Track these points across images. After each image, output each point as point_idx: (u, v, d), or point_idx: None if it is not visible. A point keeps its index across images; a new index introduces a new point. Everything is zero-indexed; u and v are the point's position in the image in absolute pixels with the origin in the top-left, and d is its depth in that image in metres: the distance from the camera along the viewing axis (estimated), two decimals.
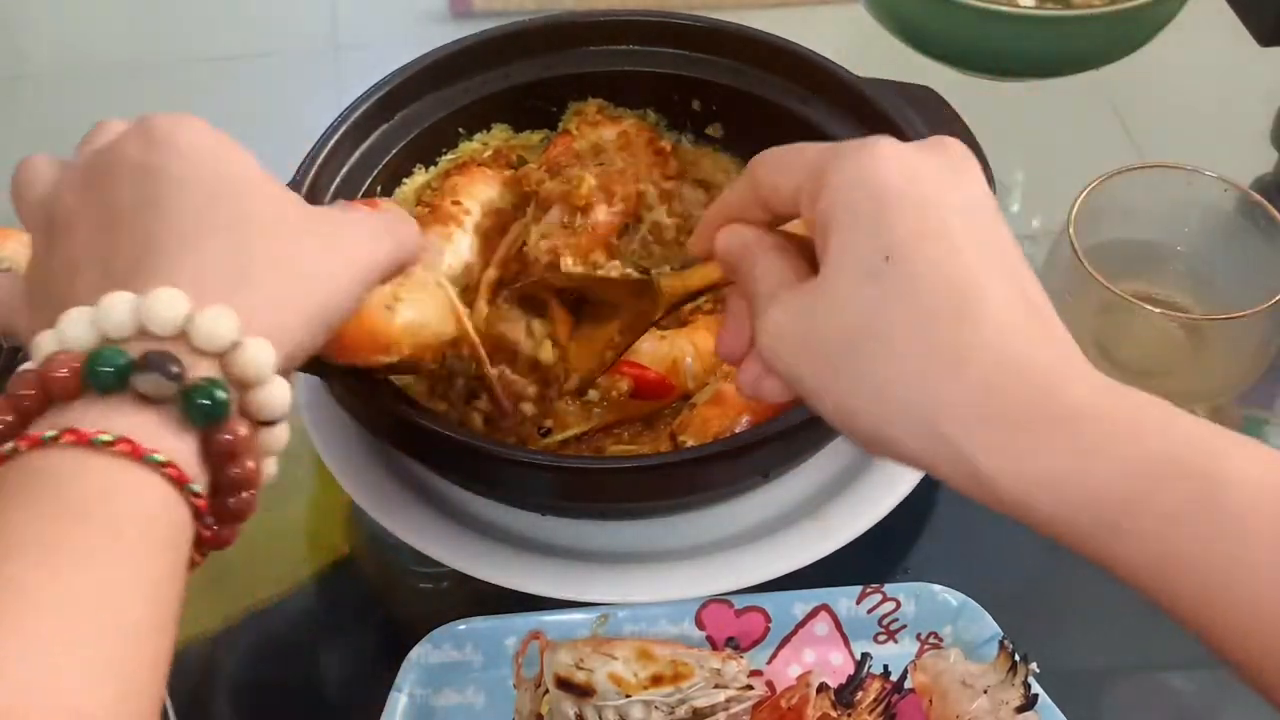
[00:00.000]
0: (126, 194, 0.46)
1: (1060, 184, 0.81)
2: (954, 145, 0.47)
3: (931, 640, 0.67)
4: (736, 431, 0.67)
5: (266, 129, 1.02)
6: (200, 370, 0.43)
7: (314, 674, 0.71)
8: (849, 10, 1.02)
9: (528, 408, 0.70)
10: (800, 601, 0.67)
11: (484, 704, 0.66)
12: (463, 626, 0.66)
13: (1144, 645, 0.72)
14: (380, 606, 0.76)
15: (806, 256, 0.49)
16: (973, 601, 0.66)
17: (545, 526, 0.71)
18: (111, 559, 0.39)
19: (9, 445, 0.40)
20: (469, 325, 0.65)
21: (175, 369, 0.42)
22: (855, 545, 0.68)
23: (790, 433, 0.64)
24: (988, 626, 0.65)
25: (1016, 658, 0.60)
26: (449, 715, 0.65)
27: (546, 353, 0.69)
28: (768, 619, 0.67)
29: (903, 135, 0.75)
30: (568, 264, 0.77)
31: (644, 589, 0.67)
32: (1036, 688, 0.60)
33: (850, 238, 0.44)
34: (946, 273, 0.43)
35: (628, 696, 0.61)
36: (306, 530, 0.79)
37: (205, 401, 0.42)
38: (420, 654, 0.65)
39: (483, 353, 0.67)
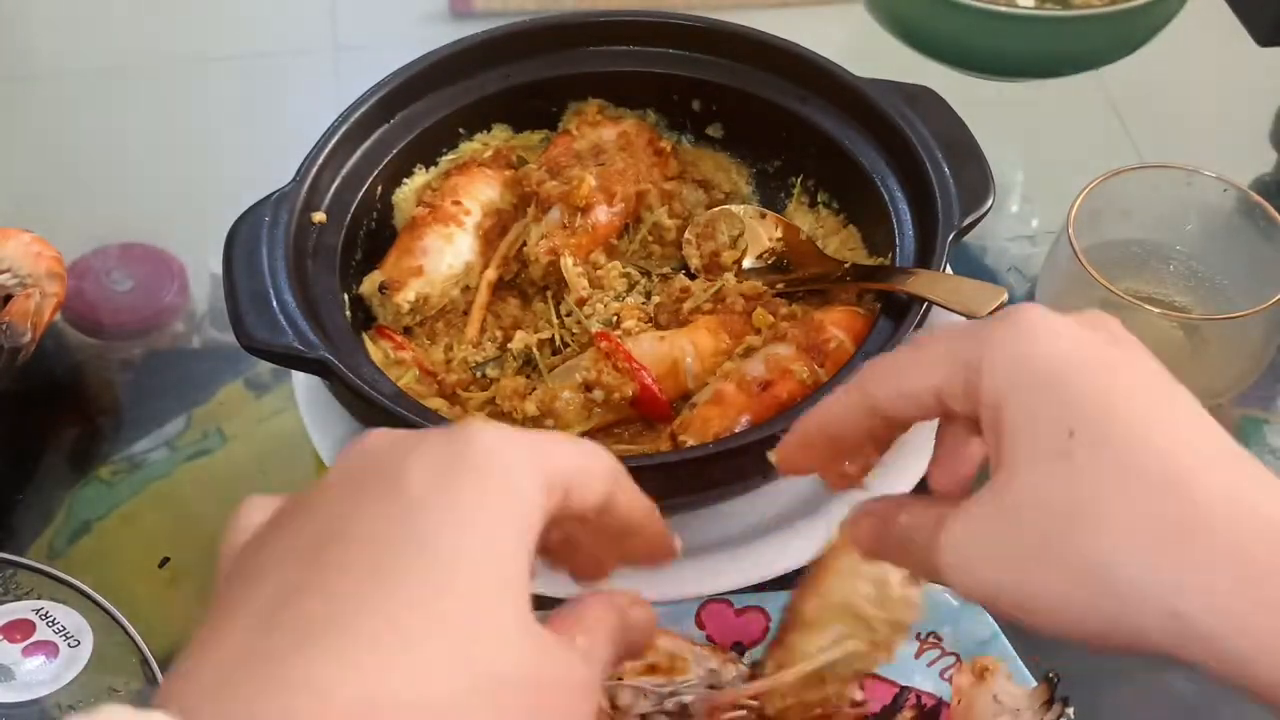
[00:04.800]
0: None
1: (1060, 184, 0.81)
2: (1111, 321, 0.43)
3: (931, 640, 0.67)
4: (736, 431, 0.67)
5: (266, 129, 1.02)
6: None
7: None
8: (849, 10, 1.02)
9: (529, 407, 0.70)
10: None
11: None
12: None
13: None
14: None
15: (939, 501, 0.45)
16: (973, 601, 0.66)
17: None
18: None
19: None
20: None
21: None
22: None
23: None
24: (987, 626, 0.65)
25: (1056, 695, 0.60)
26: None
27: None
28: (767, 619, 0.67)
29: (903, 135, 0.75)
30: (568, 264, 0.77)
31: (644, 589, 0.67)
32: None
33: (1030, 419, 0.39)
34: (1144, 436, 0.38)
35: (619, 679, 0.61)
36: None
37: None
38: None
39: None
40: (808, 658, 0.61)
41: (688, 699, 0.61)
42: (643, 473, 0.65)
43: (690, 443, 0.67)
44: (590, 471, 0.41)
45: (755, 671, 0.63)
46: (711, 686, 0.62)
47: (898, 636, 0.61)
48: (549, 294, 0.79)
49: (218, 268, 0.70)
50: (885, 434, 0.46)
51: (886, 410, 0.44)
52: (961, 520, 0.41)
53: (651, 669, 0.62)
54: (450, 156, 0.83)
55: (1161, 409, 0.40)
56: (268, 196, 0.72)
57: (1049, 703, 0.59)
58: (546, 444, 0.40)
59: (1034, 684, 0.61)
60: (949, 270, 0.72)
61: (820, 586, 0.62)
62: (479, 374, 0.74)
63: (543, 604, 0.67)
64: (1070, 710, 0.59)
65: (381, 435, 0.40)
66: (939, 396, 0.43)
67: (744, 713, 0.62)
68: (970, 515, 0.41)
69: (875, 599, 0.60)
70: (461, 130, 0.83)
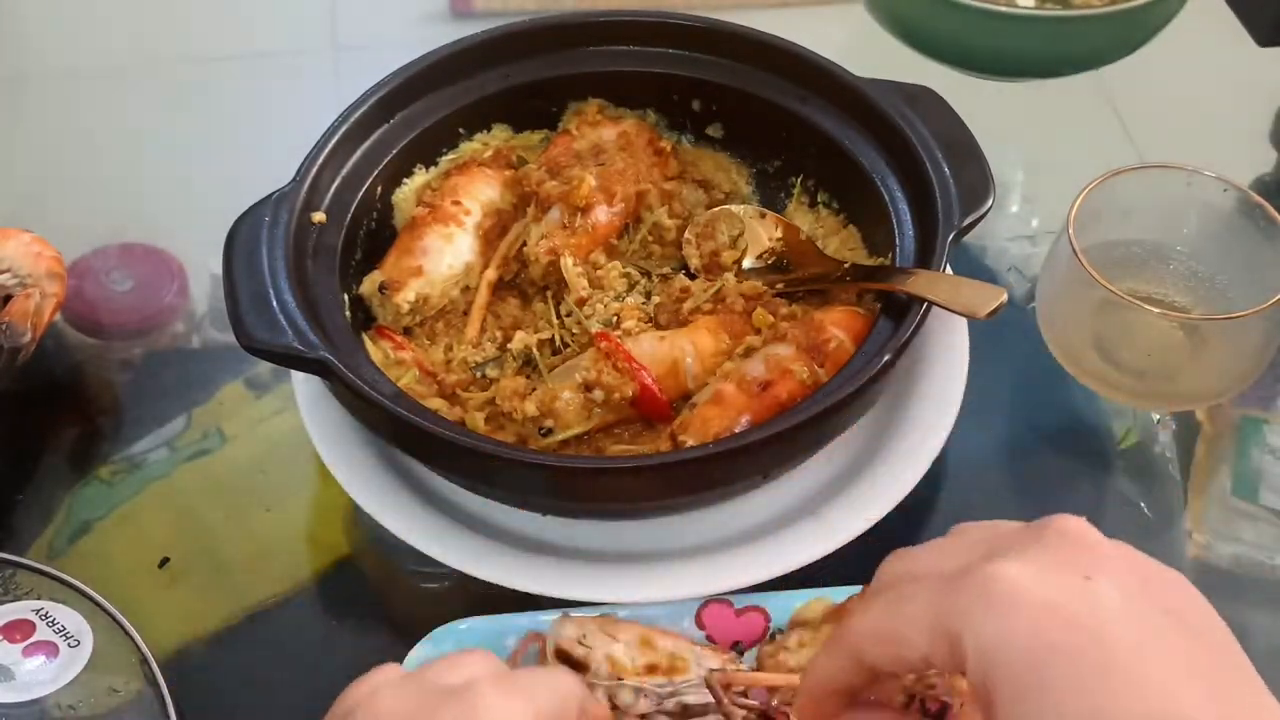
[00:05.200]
0: None
1: (1060, 184, 0.81)
2: (1070, 525, 0.43)
3: None
4: (736, 431, 0.67)
5: (266, 129, 1.02)
6: None
7: (314, 674, 0.71)
8: (849, 10, 1.02)
9: (529, 407, 0.70)
10: (800, 601, 0.67)
11: None
12: (463, 626, 0.66)
13: None
14: (380, 606, 0.76)
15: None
16: None
17: (545, 526, 0.71)
18: None
19: None
20: None
21: None
22: (855, 545, 0.68)
23: (790, 433, 0.64)
24: None
25: None
26: None
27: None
28: (767, 619, 0.67)
29: (903, 135, 0.75)
30: (568, 264, 0.77)
31: (644, 589, 0.67)
32: None
33: (1018, 702, 0.39)
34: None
35: (619, 680, 0.61)
36: (306, 530, 0.79)
37: None
38: (420, 654, 0.65)
39: None
40: None
41: (689, 699, 0.62)
42: (643, 473, 0.66)
43: (690, 443, 0.67)
44: (570, 698, 0.48)
45: (772, 645, 0.63)
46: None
47: (918, 687, 0.61)
48: (549, 294, 0.79)
49: (218, 268, 0.70)
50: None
51: (881, 668, 0.46)
52: None
53: (651, 669, 0.62)
54: (450, 156, 0.83)
55: (1134, 690, 0.39)
56: (268, 196, 0.72)
57: None
58: (534, 690, 0.46)
59: None
60: (949, 270, 0.72)
61: None
62: (479, 374, 0.74)
63: (539, 604, 0.67)
64: None
65: (393, 700, 0.46)
66: (929, 662, 0.43)
67: (755, 703, 0.62)
68: None
69: None
70: (461, 130, 0.83)
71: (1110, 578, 0.41)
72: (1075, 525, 0.43)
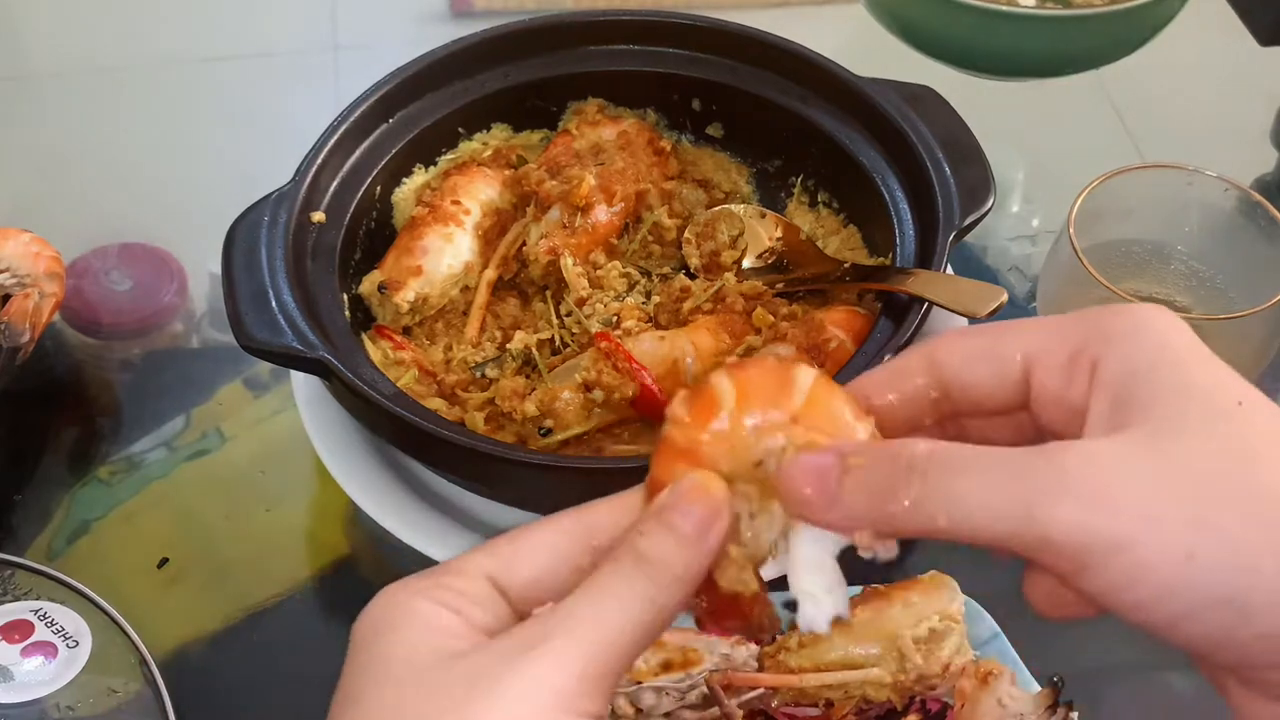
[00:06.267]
0: None
1: (1060, 184, 0.81)
2: None
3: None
4: None
5: (267, 129, 1.02)
6: None
7: (314, 674, 0.71)
8: (849, 10, 1.02)
9: (529, 407, 0.70)
10: None
11: None
12: None
13: (1144, 645, 0.72)
14: None
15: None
16: (973, 601, 0.66)
17: None
18: None
19: None
20: None
21: None
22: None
23: None
24: (988, 626, 0.65)
25: (1061, 699, 0.60)
26: None
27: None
28: None
29: (903, 135, 0.75)
30: (568, 264, 0.77)
31: None
32: None
33: (1186, 387, 0.36)
34: None
35: (638, 683, 0.61)
36: (306, 530, 0.79)
37: None
38: None
39: None
40: (833, 656, 0.61)
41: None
42: (643, 473, 0.66)
43: None
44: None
45: (772, 646, 0.63)
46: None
47: (918, 688, 0.61)
48: (549, 294, 0.79)
49: (217, 268, 0.70)
50: (942, 410, 0.42)
51: (958, 388, 0.40)
52: (1115, 460, 0.35)
53: (667, 666, 0.62)
54: (450, 156, 0.82)
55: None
56: (267, 196, 0.72)
57: (1054, 706, 0.59)
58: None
59: (1037, 687, 0.61)
60: (949, 270, 0.72)
61: (883, 604, 0.62)
62: (478, 374, 0.74)
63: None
64: (1075, 714, 0.59)
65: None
66: (1026, 363, 0.39)
67: (761, 691, 0.62)
68: (1124, 458, 0.35)
69: (923, 648, 0.61)
70: (461, 130, 0.83)
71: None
72: None
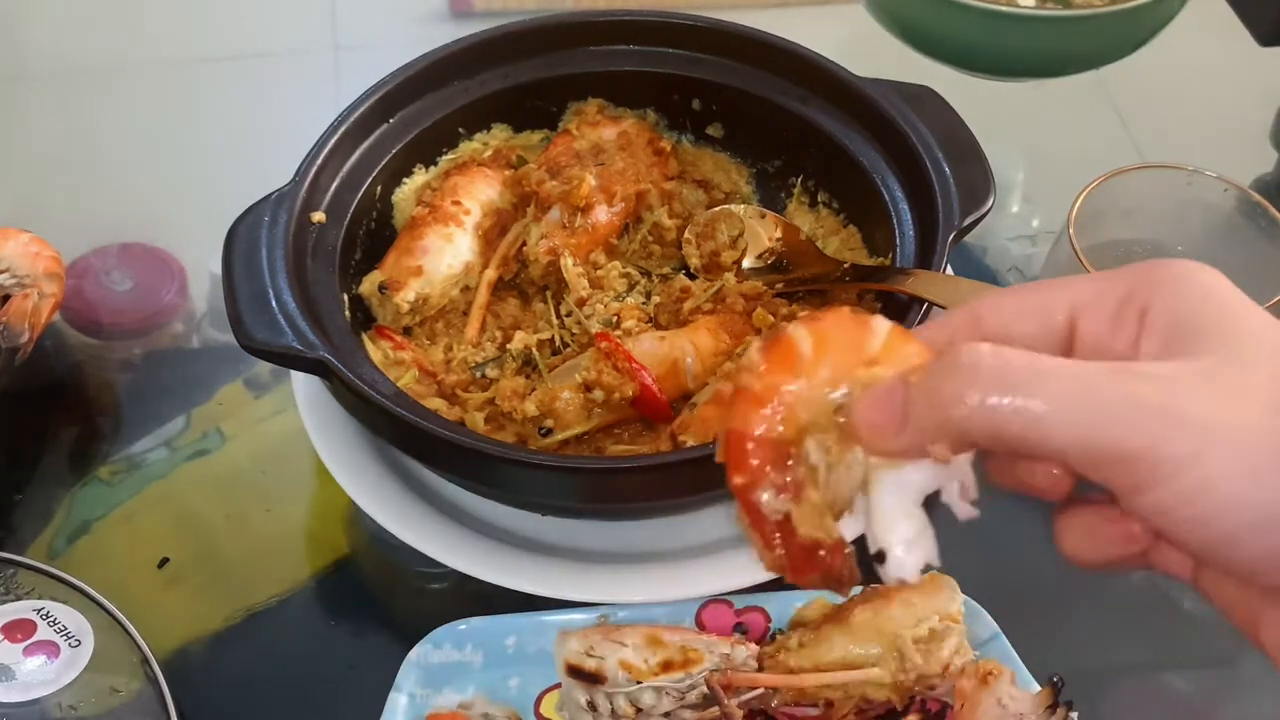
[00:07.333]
0: None
1: (1060, 184, 0.81)
2: None
3: None
4: None
5: (267, 129, 1.02)
6: None
7: (314, 674, 0.71)
8: (849, 10, 1.02)
9: (529, 407, 0.70)
10: (800, 601, 0.67)
11: None
12: (463, 626, 0.66)
13: (1144, 645, 0.72)
14: (380, 606, 0.76)
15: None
16: (972, 601, 0.66)
17: (545, 526, 0.71)
18: None
19: None
20: None
21: None
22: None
23: None
24: (987, 626, 0.65)
25: (1060, 699, 0.60)
26: None
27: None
28: (768, 619, 0.67)
29: (903, 135, 0.75)
30: (568, 264, 0.77)
31: (644, 589, 0.67)
32: None
33: (1237, 320, 0.38)
34: None
35: (638, 683, 0.61)
36: (306, 530, 0.79)
37: None
38: (420, 654, 0.65)
39: None
40: (833, 656, 0.61)
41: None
42: (643, 473, 0.66)
43: (690, 443, 0.67)
44: None
45: (772, 646, 0.63)
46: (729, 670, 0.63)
47: (918, 688, 0.61)
48: (549, 294, 0.79)
49: (217, 268, 0.70)
50: None
51: (999, 328, 0.41)
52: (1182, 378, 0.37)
53: (667, 666, 0.62)
54: (450, 156, 0.82)
55: None
56: (267, 196, 0.72)
57: (1053, 706, 0.59)
58: None
59: (1037, 687, 0.61)
60: (949, 270, 0.72)
61: (883, 604, 0.62)
62: (479, 374, 0.74)
63: (539, 604, 0.67)
64: (1074, 714, 0.59)
65: None
66: (1072, 315, 0.41)
67: (761, 691, 0.62)
68: (1171, 383, 0.37)
69: (923, 648, 0.61)
70: (461, 130, 0.83)
71: None
72: None
